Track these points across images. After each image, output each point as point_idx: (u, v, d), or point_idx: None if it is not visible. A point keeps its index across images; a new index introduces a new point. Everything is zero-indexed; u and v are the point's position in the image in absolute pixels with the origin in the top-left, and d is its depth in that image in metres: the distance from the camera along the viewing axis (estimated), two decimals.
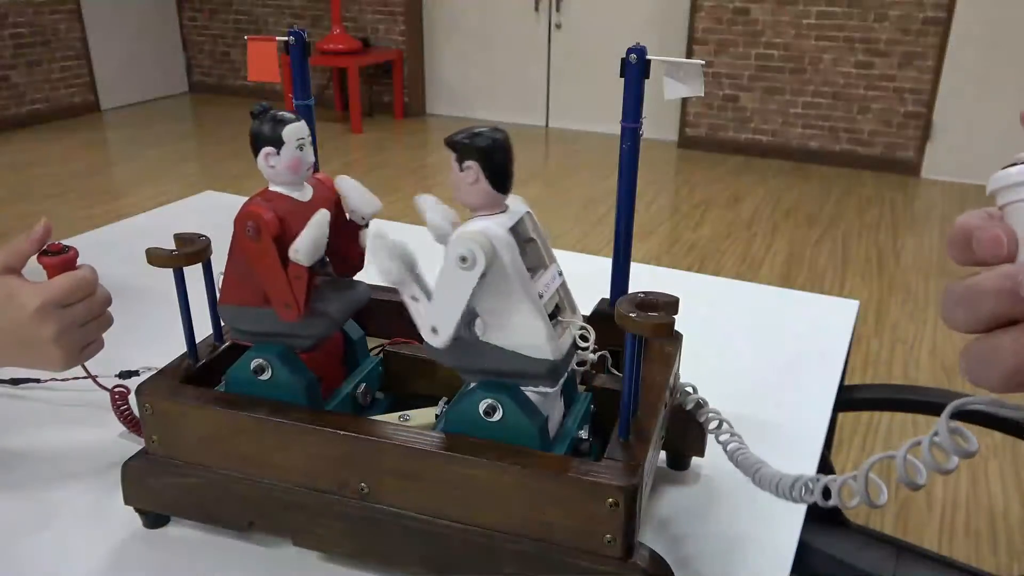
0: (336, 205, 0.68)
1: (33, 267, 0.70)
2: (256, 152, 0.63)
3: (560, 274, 0.64)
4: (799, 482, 0.53)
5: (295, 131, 0.62)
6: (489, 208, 0.58)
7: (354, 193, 0.67)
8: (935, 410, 1.21)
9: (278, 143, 0.62)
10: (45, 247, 0.71)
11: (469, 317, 0.60)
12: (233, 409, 0.63)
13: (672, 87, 0.68)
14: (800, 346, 1.02)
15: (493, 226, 0.57)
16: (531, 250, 0.62)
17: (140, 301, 1.09)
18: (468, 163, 0.56)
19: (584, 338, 0.62)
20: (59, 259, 0.69)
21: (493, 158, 0.56)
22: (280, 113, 0.63)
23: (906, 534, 1.86)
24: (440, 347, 0.59)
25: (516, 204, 0.61)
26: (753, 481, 0.60)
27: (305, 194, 0.65)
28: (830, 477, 0.50)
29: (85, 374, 0.77)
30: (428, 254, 0.62)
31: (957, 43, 4.39)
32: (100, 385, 0.78)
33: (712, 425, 0.68)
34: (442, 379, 0.73)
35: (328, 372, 0.69)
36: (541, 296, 0.59)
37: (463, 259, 0.55)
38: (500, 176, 0.57)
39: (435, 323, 0.58)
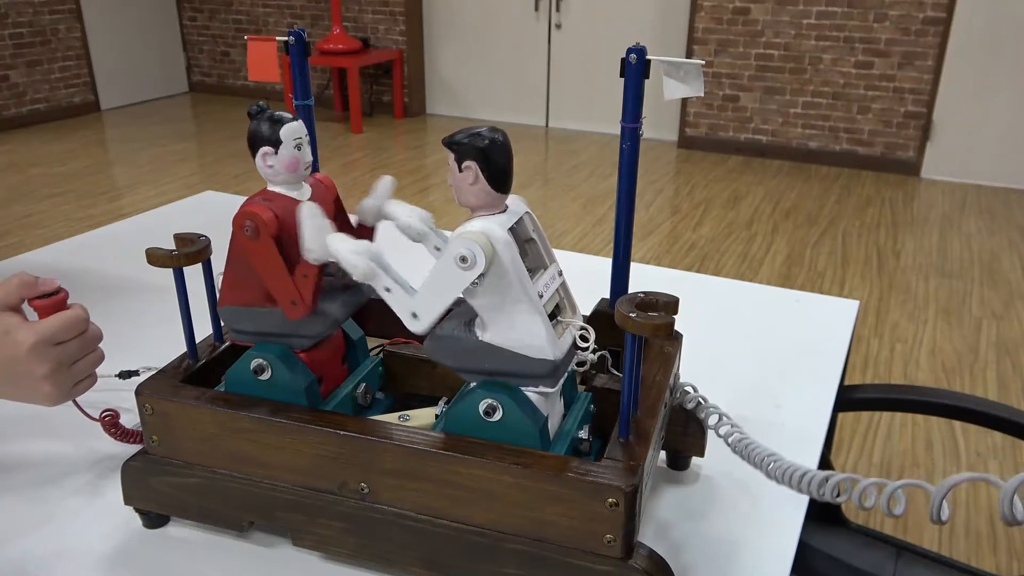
0: (335, 204, 0.68)
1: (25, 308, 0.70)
2: (254, 152, 0.63)
3: (560, 274, 0.64)
4: (832, 480, 0.53)
5: (292, 131, 0.62)
6: (489, 208, 0.58)
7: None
8: (935, 410, 1.22)
9: (276, 143, 0.62)
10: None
11: (468, 317, 0.60)
12: (233, 409, 0.63)
13: (672, 87, 0.68)
14: (800, 346, 1.02)
15: (493, 226, 0.57)
16: (531, 250, 0.63)
17: (140, 301, 1.09)
18: (467, 163, 0.56)
19: (584, 338, 0.62)
20: (50, 300, 0.69)
21: (492, 158, 0.56)
22: (277, 113, 0.63)
23: (906, 534, 1.86)
24: (420, 332, 0.60)
25: (516, 204, 0.61)
26: (766, 474, 0.60)
27: (304, 193, 0.65)
28: (871, 480, 0.51)
29: (76, 408, 0.77)
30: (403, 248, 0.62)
31: (957, 43, 4.39)
32: (88, 416, 0.77)
33: (712, 420, 0.68)
34: (442, 379, 0.73)
35: (328, 372, 0.69)
36: (541, 296, 0.59)
37: (463, 259, 0.55)
38: (499, 176, 0.57)
39: (417, 310, 0.59)
